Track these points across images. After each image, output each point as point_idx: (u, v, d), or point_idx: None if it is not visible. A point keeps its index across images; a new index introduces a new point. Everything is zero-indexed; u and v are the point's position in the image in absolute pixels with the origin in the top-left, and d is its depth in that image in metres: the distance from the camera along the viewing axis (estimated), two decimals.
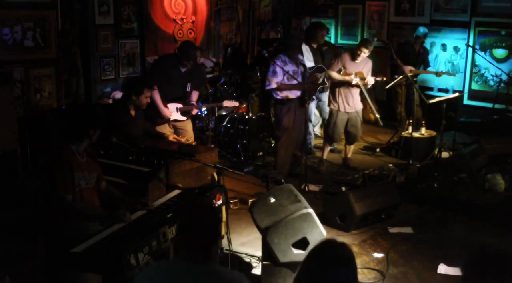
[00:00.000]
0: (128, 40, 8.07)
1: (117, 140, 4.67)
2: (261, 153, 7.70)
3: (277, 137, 6.89)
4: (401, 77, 7.95)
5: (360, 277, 4.61)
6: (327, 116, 7.60)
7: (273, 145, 7.45)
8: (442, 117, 7.37)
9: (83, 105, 7.57)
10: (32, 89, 7.03)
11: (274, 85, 6.55)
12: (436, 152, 7.38)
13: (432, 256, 4.93)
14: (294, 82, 6.52)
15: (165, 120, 6.29)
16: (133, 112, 5.43)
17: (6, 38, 6.77)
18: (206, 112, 7.46)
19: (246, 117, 7.72)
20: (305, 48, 7.72)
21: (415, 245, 5.21)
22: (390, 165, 7.18)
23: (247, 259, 4.89)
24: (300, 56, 6.80)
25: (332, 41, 10.02)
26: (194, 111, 6.54)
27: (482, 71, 8.80)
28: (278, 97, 6.68)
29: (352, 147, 7.50)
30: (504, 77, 8.19)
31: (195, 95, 6.56)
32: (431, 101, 7.58)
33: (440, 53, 9.19)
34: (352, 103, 7.09)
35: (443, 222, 5.71)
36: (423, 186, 6.30)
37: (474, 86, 8.90)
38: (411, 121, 7.60)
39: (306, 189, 6.37)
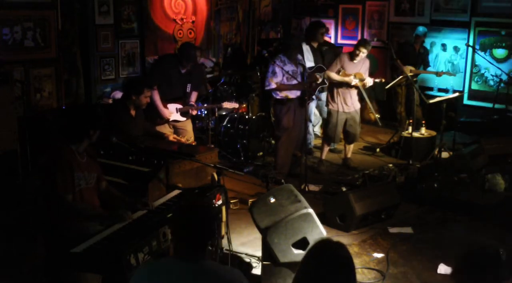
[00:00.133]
0: (128, 40, 8.06)
1: (117, 140, 4.67)
2: (261, 153, 7.70)
3: (277, 137, 6.89)
4: (401, 77, 7.95)
5: (360, 277, 4.61)
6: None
7: (273, 145, 7.44)
8: (442, 117, 7.38)
9: (83, 105, 7.57)
10: (32, 89, 7.03)
11: (273, 85, 6.55)
12: (436, 152, 7.38)
13: (432, 256, 4.93)
14: (294, 82, 6.52)
15: (165, 120, 6.29)
16: (133, 112, 5.43)
17: (6, 38, 6.77)
18: (206, 112, 7.46)
19: (246, 117, 7.72)
20: (305, 48, 7.73)
21: (415, 245, 5.21)
22: (390, 165, 7.18)
23: (247, 259, 4.89)
24: (299, 56, 6.81)
25: (332, 41, 10.02)
26: (194, 112, 6.54)
27: (482, 71, 8.80)
28: (278, 97, 6.68)
29: (352, 146, 7.51)
30: (504, 77, 8.19)
31: (194, 96, 6.56)
32: (431, 101, 7.58)
33: (440, 53, 9.19)
34: (350, 103, 7.10)
35: (443, 222, 5.70)
36: (423, 186, 6.30)
37: (474, 86, 8.90)
38: (411, 121, 7.60)
39: (306, 189, 6.37)
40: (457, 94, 7.96)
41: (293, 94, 6.63)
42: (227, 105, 6.71)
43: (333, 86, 7.11)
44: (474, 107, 8.86)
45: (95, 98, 7.74)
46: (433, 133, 7.79)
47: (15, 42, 6.84)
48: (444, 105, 7.38)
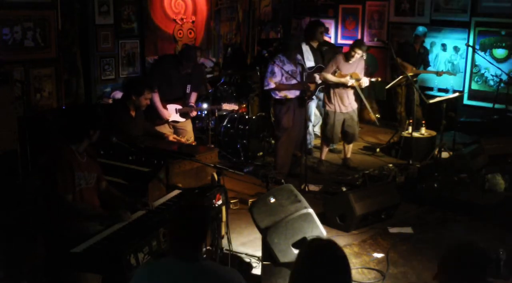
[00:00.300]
0: (128, 40, 8.06)
1: (117, 140, 4.67)
2: (261, 153, 7.70)
3: (276, 137, 6.89)
4: (401, 77, 7.95)
5: (360, 277, 4.62)
6: None
7: (273, 145, 7.44)
8: (442, 117, 7.38)
9: (83, 105, 7.57)
10: (32, 89, 7.03)
11: (272, 85, 6.55)
12: (436, 152, 7.38)
13: (432, 256, 4.92)
14: (293, 82, 6.53)
15: (164, 120, 6.29)
16: (133, 112, 5.43)
17: (6, 38, 6.77)
18: (206, 112, 7.46)
19: (246, 117, 7.73)
20: (305, 48, 7.73)
21: (415, 245, 5.20)
22: (390, 165, 7.18)
23: (247, 259, 4.89)
24: (298, 56, 6.81)
25: (332, 41, 10.02)
26: (193, 113, 6.54)
27: (482, 71, 8.80)
28: (277, 97, 6.69)
29: (351, 146, 7.50)
30: (504, 77, 8.19)
31: (194, 97, 6.55)
32: (431, 101, 7.58)
33: (440, 53, 9.19)
34: (347, 103, 7.11)
35: (443, 222, 5.70)
36: (423, 186, 6.30)
37: (474, 86, 8.90)
38: (411, 121, 7.60)
39: (306, 189, 6.37)
40: (457, 94, 7.96)
41: (292, 94, 6.63)
42: (226, 106, 6.71)
43: (330, 87, 7.12)
44: (474, 107, 8.86)
45: (95, 98, 7.74)
46: (433, 133, 7.79)
47: (15, 42, 6.84)
48: (444, 105, 7.38)
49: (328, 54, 7.94)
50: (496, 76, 8.45)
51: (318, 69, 7.37)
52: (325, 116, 7.36)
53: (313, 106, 8.06)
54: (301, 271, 2.50)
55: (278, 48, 8.68)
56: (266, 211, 4.35)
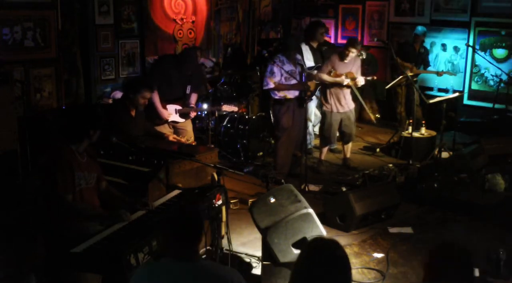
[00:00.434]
0: (128, 40, 8.06)
1: (117, 140, 4.67)
2: (261, 153, 7.70)
3: (276, 137, 6.89)
4: (401, 77, 7.95)
5: (360, 277, 4.62)
6: None
7: (273, 145, 7.44)
8: (442, 117, 7.38)
9: (83, 105, 7.57)
10: (32, 89, 7.03)
11: (272, 85, 6.56)
12: (436, 152, 7.38)
13: None
14: (293, 82, 6.53)
15: (164, 120, 6.29)
16: (133, 112, 5.43)
17: (6, 38, 6.77)
18: (206, 112, 7.46)
19: (246, 117, 7.73)
20: (304, 48, 7.74)
21: (415, 245, 5.20)
22: (390, 165, 7.18)
23: (247, 259, 4.89)
24: (298, 56, 6.81)
25: (332, 41, 10.02)
26: (193, 114, 6.54)
27: (482, 71, 8.80)
28: (276, 97, 6.69)
29: (350, 146, 7.49)
30: (504, 77, 8.19)
31: (194, 98, 6.55)
32: (431, 101, 7.59)
33: (440, 53, 9.19)
34: (344, 103, 7.11)
35: (443, 222, 5.70)
36: (423, 186, 6.30)
37: (474, 86, 8.90)
38: (411, 121, 7.60)
39: (306, 189, 6.37)
40: (457, 94, 7.97)
41: (292, 94, 6.63)
42: (226, 108, 6.70)
43: (326, 87, 7.12)
44: (474, 107, 8.86)
45: (95, 98, 7.74)
46: (433, 133, 7.79)
47: (15, 42, 6.85)
48: (444, 105, 7.38)
49: (328, 54, 7.93)
50: (496, 76, 8.45)
51: (318, 69, 7.36)
52: (322, 116, 7.37)
53: (313, 106, 8.06)
54: (300, 271, 2.50)
55: (278, 48, 8.69)
56: (266, 211, 4.35)
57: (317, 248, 2.53)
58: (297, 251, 4.23)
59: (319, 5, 10.52)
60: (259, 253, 4.60)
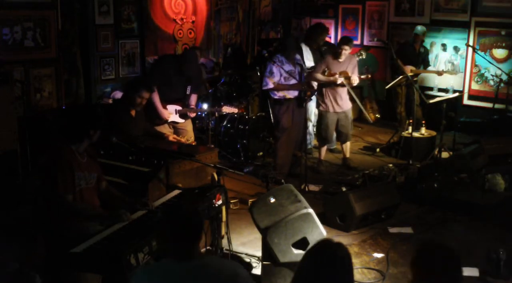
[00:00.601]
0: (128, 40, 8.07)
1: (117, 140, 4.67)
2: (261, 153, 7.70)
3: (276, 137, 6.88)
4: (401, 77, 7.95)
5: (360, 277, 4.61)
6: None
7: (273, 145, 7.44)
8: (442, 117, 7.38)
9: (83, 105, 7.58)
10: (32, 89, 7.04)
11: (271, 85, 6.56)
12: (436, 152, 7.38)
13: None
14: (292, 82, 6.52)
15: (164, 121, 6.29)
16: (133, 112, 5.43)
17: (6, 38, 6.77)
18: (206, 112, 7.46)
19: (246, 117, 7.73)
20: (304, 47, 7.75)
21: (415, 245, 5.19)
22: (390, 165, 7.18)
23: (247, 259, 4.89)
24: (297, 56, 6.81)
25: (332, 41, 10.02)
26: (193, 114, 6.54)
27: (482, 71, 8.80)
28: (276, 97, 6.69)
29: (349, 145, 7.48)
30: (504, 77, 8.18)
31: (194, 99, 6.54)
32: (431, 101, 7.59)
33: (440, 53, 9.19)
34: (341, 103, 7.10)
35: (443, 222, 5.70)
36: (423, 186, 6.30)
37: (474, 86, 8.90)
38: (411, 121, 7.60)
39: (306, 189, 6.37)
40: (457, 94, 7.96)
41: (291, 94, 6.63)
42: (226, 109, 6.69)
43: (322, 87, 7.11)
44: (474, 107, 8.86)
45: (95, 98, 7.74)
46: (433, 133, 7.79)
47: (15, 42, 6.85)
48: (444, 105, 7.38)
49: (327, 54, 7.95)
50: (496, 76, 8.45)
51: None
52: (319, 116, 7.38)
53: (313, 106, 8.05)
54: (301, 271, 2.50)
55: (278, 48, 8.69)
56: (266, 211, 4.35)
57: (319, 248, 2.53)
58: (297, 251, 4.23)
59: (319, 5, 10.52)
60: (259, 253, 4.60)
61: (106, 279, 3.52)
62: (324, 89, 7.08)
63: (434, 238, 4.90)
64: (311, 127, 7.99)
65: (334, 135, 7.41)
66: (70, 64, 7.47)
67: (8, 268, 4.25)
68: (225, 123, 7.68)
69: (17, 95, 6.51)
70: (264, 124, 7.74)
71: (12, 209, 5.45)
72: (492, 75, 8.62)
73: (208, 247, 4.42)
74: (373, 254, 5.02)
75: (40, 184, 4.06)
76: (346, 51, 6.90)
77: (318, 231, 4.33)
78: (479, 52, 8.61)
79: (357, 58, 7.39)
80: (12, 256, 4.58)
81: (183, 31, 8.69)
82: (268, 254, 4.28)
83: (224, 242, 4.59)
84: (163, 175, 4.61)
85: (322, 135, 7.30)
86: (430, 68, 8.71)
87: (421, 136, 7.72)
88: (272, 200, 4.42)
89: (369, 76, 7.61)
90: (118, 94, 7.25)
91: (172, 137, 5.71)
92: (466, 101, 8.98)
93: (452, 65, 9.09)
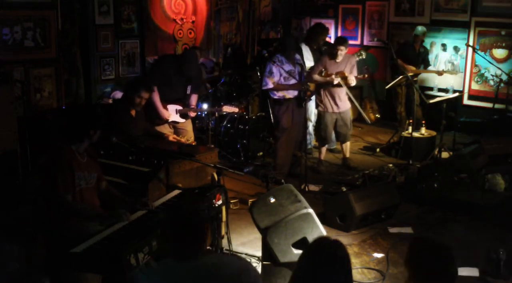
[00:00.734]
0: (128, 40, 8.07)
1: (117, 140, 4.67)
2: (261, 153, 7.70)
3: (276, 137, 6.88)
4: (401, 77, 7.95)
5: (360, 277, 4.61)
6: None
7: (273, 145, 7.44)
8: (442, 117, 7.38)
9: (83, 105, 7.58)
10: (32, 89, 7.04)
11: (271, 85, 6.56)
12: (436, 152, 7.38)
13: None
14: (292, 81, 6.52)
15: (164, 120, 6.29)
16: (133, 112, 5.43)
17: (6, 38, 6.77)
18: (206, 112, 7.46)
19: (246, 117, 7.73)
20: (304, 48, 7.74)
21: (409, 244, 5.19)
22: (390, 165, 7.18)
23: (247, 259, 4.89)
24: (297, 56, 6.80)
25: (332, 41, 10.02)
26: (193, 114, 6.54)
27: (482, 71, 8.80)
28: (275, 97, 6.69)
29: (348, 145, 7.48)
30: (504, 77, 8.18)
31: (194, 99, 6.54)
32: (431, 101, 7.59)
33: (440, 53, 9.19)
34: (339, 103, 7.10)
35: (443, 222, 5.70)
36: (423, 186, 6.30)
37: (474, 86, 8.90)
38: (411, 121, 7.60)
39: (306, 189, 6.37)
40: (457, 94, 7.96)
41: (291, 94, 6.63)
42: (227, 109, 6.69)
43: (320, 88, 7.11)
44: (474, 107, 8.86)
45: (95, 98, 7.74)
46: (433, 133, 7.79)
47: (15, 42, 6.85)
48: (444, 105, 7.38)
49: None
50: (496, 76, 8.45)
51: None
52: (318, 116, 7.38)
53: (313, 106, 8.05)
54: (300, 271, 2.50)
55: (278, 48, 8.69)
56: (266, 211, 4.35)
57: (317, 247, 2.53)
58: (297, 251, 4.23)
59: (319, 5, 10.52)
60: (259, 253, 4.60)
61: (106, 279, 3.52)
62: (322, 90, 7.08)
63: (427, 236, 4.89)
64: (311, 127, 7.99)
65: (333, 135, 7.41)
66: (70, 64, 7.47)
67: (8, 268, 4.24)
68: (225, 123, 7.68)
69: (17, 95, 6.51)
70: (264, 124, 7.74)
71: (12, 209, 5.45)
72: (492, 75, 8.62)
73: (208, 247, 4.42)
74: (373, 254, 5.02)
75: (40, 184, 4.05)
76: (342, 51, 6.90)
77: (318, 231, 4.33)
78: (479, 52, 8.61)
79: (357, 58, 7.39)
80: (12, 256, 4.59)
81: (183, 31, 8.69)
82: (268, 254, 4.28)
83: (224, 242, 4.59)
84: (163, 175, 4.61)
85: (321, 135, 7.31)
86: (430, 68, 8.71)
87: (421, 136, 7.72)
88: (272, 200, 4.41)
89: (366, 76, 7.60)
90: (118, 94, 7.25)
91: (172, 137, 5.71)
92: (466, 101, 8.99)
93: (452, 65, 9.09)
